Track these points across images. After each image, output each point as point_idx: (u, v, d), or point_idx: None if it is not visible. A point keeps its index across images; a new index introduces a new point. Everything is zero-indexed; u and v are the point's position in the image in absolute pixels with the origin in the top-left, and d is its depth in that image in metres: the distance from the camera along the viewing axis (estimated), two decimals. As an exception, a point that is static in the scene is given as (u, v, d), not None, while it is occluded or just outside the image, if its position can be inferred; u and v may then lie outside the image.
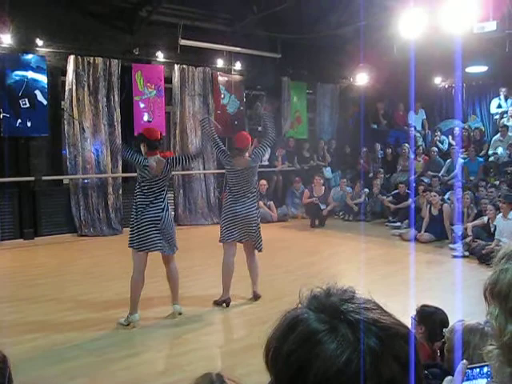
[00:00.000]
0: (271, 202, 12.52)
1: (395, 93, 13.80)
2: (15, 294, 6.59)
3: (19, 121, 9.81)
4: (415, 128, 13.78)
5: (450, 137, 13.58)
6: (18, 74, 9.81)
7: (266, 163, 13.28)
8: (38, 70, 9.99)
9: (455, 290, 6.29)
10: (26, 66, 9.88)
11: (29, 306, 6.02)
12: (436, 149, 12.97)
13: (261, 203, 12.35)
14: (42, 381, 4.13)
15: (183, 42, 11.47)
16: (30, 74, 9.91)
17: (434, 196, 10.04)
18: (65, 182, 10.79)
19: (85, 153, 10.64)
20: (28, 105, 9.88)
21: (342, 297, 0.87)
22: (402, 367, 0.80)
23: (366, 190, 12.54)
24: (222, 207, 6.23)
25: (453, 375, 1.26)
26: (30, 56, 9.95)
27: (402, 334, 0.84)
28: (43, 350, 4.78)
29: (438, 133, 13.70)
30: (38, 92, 10.00)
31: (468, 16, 8.03)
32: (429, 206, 10.11)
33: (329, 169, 14.02)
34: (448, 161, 12.43)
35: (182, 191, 12.01)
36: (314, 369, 0.78)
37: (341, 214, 12.77)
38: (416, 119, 14.17)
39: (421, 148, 13.17)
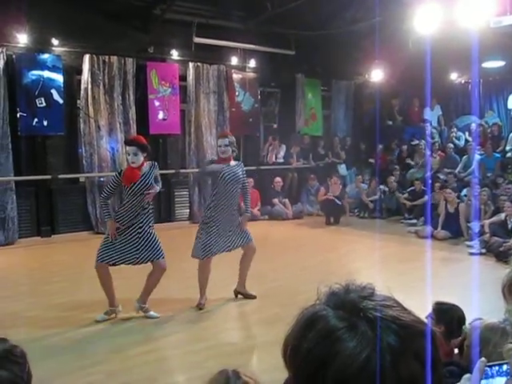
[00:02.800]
0: (286, 200, 12.52)
1: (410, 89, 13.71)
2: (33, 291, 6.66)
3: (36, 120, 9.89)
4: (431, 124, 13.68)
5: (467, 133, 13.45)
6: (35, 73, 9.89)
7: (281, 160, 13.28)
8: (53, 69, 10.06)
9: (472, 288, 6.23)
10: (42, 66, 9.96)
11: (46, 303, 6.08)
12: (452, 145, 12.86)
13: (276, 200, 12.37)
14: (60, 377, 4.16)
15: (197, 39, 11.48)
16: (46, 74, 9.98)
17: (450, 193, 9.96)
18: (81, 180, 10.86)
19: (100, 151, 10.70)
20: (44, 104, 9.96)
21: (361, 294, 0.86)
22: (422, 365, 0.79)
23: (382, 186, 12.48)
24: None
25: (471, 372, 1.24)
26: (46, 55, 10.03)
27: (422, 331, 0.83)
28: (61, 347, 4.82)
29: (455, 129, 13.59)
30: (54, 91, 10.07)
31: (485, 10, 7.94)
32: (445, 202, 10.03)
33: (344, 166, 13.98)
34: (464, 157, 12.33)
35: (196, 189, 12.02)
36: (333, 366, 0.77)
37: (356, 211, 12.72)
38: (432, 115, 14.06)
39: (437, 144, 13.07)
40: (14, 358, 1.27)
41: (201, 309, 5.83)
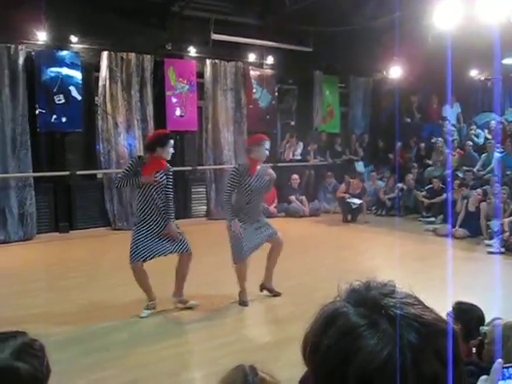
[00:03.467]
0: (303, 197, 12.49)
1: (429, 86, 13.58)
2: (50, 286, 6.73)
3: (54, 116, 9.97)
4: (450, 121, 13.55)
5: (486, 130, 13.30)
6: (53, 70, 9.97)
7: (299, 157, 13.25)
8: (72, 66, 10.13)
9: (491, 287, 6.17)
10: (61, 63, 10.03)
11: (64, 299, 6.13)
12: (471, 143, 12.73)
13: (292, 197, 12.35)
14: (75, 371, 4.18)
15: (215, 36, 11.49)
16: (65, 71, 10.06)
17: (478, 194, 9.83)
18: (98, 176, 10.95)
19: (118, 147, 10.76)
20: (63, 100, 10.03)
21: (382, 291, 0.84)
22: (444, 364, 0.78)
23: (400, 184, 12.39)
24: None
25: (489, 372, 1.22)
26: (64, 52, 10.10)
27: (444, 330, 0.81)
28: (76, 341, 4.85)
29: (474, 126, 13.44)
30: (72, 88, 10.14)
31: (506, 5, 7.84)
32: (465, 201, 9.93)
33: (361, 163, 13.91)
34: (484, 155, 12.19)
35: (213, 186, 12.04)
36: (353, 364, 0.76)
37: (373, 208, 12.65)
38: (451, 112, 13.93)
39: (455, 142, 12.95)
40: (33, 351, 1.28)
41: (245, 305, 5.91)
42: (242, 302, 5.91)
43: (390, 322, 0.78)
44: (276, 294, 6.15)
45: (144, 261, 5.44)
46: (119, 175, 5.62)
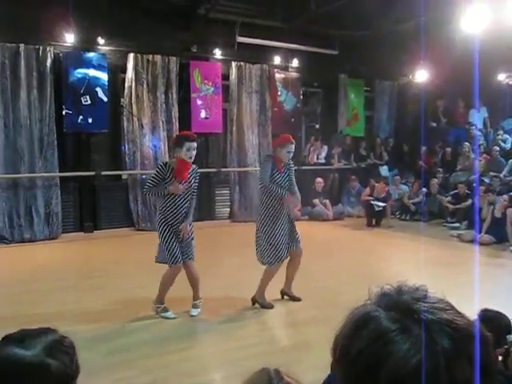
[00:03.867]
0: (327, 201, 12.44)
1: (456, 90, 13.43)
2: (76, 285, 6.79)
3: (81, 117, 10.09)
4: (476, 126, 13.39)
5: (514, 135, 13.12)
6: (80, 71, 10.09)
7: (323, 161, 13.20)
8: (99, 67, 10.24)
9: (518, 294, 6.08)
10: (88, 64, 10.15)
11: (88, 297, 6.18)
12: (498, 148, 12.55)
13: (316, 201, 12.30)
14: (99, 370, 4.21)
15: (240, 39, 11.52)
16: (92, 72, 10.17)
17: (504, 200, 9.69)
18: (123, 177, 11.04)
19: (143, 149, 10.84)
20: (89, 102, 10.15)
21: (414, 295, 0.83)
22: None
23: (424, 189, 12.27)
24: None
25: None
26: (91, 54, 10.22)
27: (477, 336, 0.80)
28: (101, 340, 4.89)
29: (501, 131, 13.26)
30: (98, 89, 10.25)
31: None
32: (492, 207, 9.79)
33: (385, 167, 13.81)
34: (510, 160, 12.01)
35: (237, 188, 12.06)
36: (385, 368, 0.76)
37: (397, 213, 12.55)
38: (478, 117, 13.76)
39: (482, 147, 12.78)
40: (64, 348, 1.29)
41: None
42: (268, 304, 5.90)
43: (422, 327, 0.77)
44: (296, 299, 6.13)
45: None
46: (147, 183, 5.54)
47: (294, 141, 5.92)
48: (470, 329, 0.81)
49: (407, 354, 0.75)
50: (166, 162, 5.60)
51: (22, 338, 1.26)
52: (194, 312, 5.64)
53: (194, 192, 5.56)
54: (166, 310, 5.56)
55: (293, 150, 5.88)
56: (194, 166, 5.57)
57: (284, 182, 5.84)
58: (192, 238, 5.60)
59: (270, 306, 5.87)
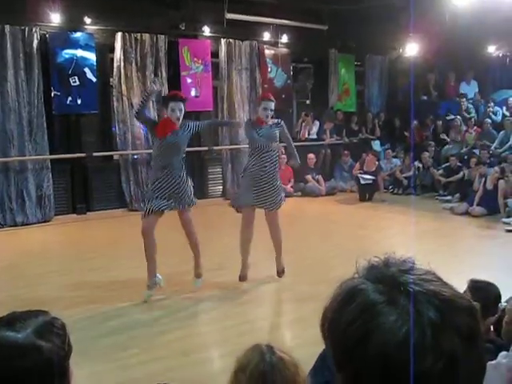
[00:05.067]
0: (319, 176, 12.44)
1: (446, 63, 13.40)
2: (69, 268, 6.79)
3: (69, 98, 9.99)
4: (467, 97, 13.36)
5: (504, 107, 13.11)
6: (68, 52, 9.96)
7: (314, 137, 13.18)
8: (86, 47, 10.12)
9: (508, 265, 6.14)
10: (75, 44, 10.02)
11: (81, 280, 6.19)
12: (489, 120, 12.56)
13: (309, 177, 12.31)
14: (95, 351, 4.24)
15: (229, 15, 11.38)
16: (79, 52, 10.05)
17: (496, 172, 9.73)
18: (115, 157, 10.97)
19: (134, 129, 10.77)
20: (78, 82, 10.04)
21: (401, 267, 0.84)
22: (463, 340, 0.77)
23: (416, 163, 12.29)
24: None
25: (508, 349, 1.21)
26: (78, 34, 10.09)
27: (464, 306, 0.81)
28: (96, 322, 4.92)
29: (492, 103, 13.24)
30: (87, 69, 10.14)
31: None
32: (483, 179, 9.83)
33: (378, 142, 13.82)
34: (501, 132, 12.03)
35: (229, 166, 12.03)
36: (373, 340, 0.76)
37: (390, 187, 12.59)
38: (468, 90, 13.74)
39: (473, 120, 12.79)
40: (55, 329, 1.29)
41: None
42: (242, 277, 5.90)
43: (409, 299, 0.78)
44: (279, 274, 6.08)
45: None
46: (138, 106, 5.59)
47: (271, 98, 5.88)
48: (457, 300, 0.81)
49: (394, 326, 0.76)
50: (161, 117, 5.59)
51: (13, 320, 1.26)
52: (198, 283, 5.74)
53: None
54: (154, 281, 5.53)
55: (270, 107, 5.79)
56: (182, 123, 5.41)
57: (263, 138, 5.78)
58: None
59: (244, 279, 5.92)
